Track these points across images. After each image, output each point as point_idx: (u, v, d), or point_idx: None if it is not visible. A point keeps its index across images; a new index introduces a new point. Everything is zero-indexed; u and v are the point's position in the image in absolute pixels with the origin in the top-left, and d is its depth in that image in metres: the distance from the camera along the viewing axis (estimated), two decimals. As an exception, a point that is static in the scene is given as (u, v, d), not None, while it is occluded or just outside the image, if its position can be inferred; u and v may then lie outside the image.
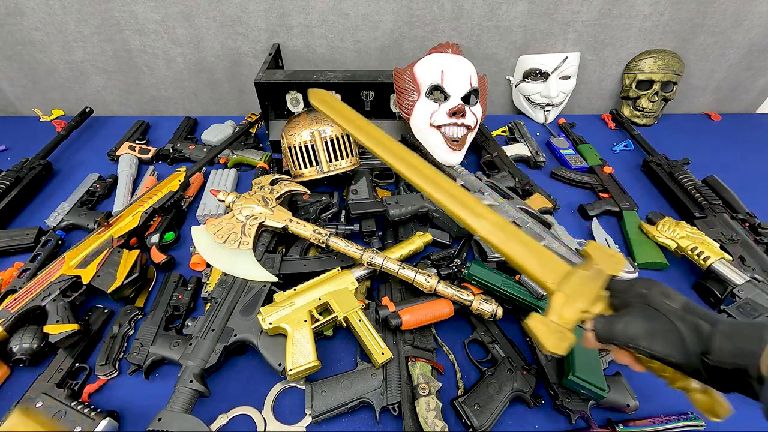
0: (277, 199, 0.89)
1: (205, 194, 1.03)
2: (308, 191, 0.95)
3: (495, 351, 0.74)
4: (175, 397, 0.63)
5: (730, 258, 0.85)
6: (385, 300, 0.76)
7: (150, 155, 1.17)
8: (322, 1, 1.17)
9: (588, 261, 0.52)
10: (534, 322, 0.46)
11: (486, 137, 1.21)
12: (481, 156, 1.17)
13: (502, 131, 1.31)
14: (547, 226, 0.89)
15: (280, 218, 0.84)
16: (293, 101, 1.14)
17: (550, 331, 0.46)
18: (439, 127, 0.97)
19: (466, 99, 0.97)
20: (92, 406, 0.65)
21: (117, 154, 1.16)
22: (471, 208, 0.61)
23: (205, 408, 0.68)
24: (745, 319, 0.39)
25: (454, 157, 1.00)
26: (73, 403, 0.65)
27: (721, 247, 0.88)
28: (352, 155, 1.01)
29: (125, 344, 0.76)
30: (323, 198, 0.99)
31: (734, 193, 1.02)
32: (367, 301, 0.79)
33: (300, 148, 0.97)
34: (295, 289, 0.76)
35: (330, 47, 1.27)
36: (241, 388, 0.71)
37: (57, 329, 0.71)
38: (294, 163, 0.99)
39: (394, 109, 1.15)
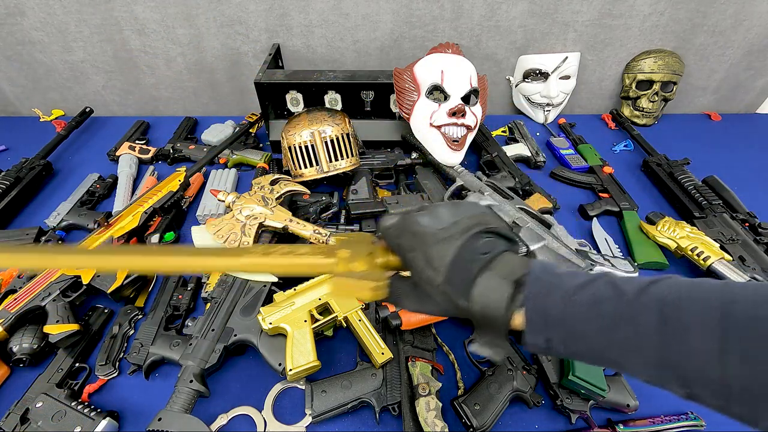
0: (277, 199, 0.89)
1: (205, 194, 1.03)
2: (308, 191, 0.95)
3: (495, 351, 0.74)
4: (175, 397, 0.63)
5: (730, 258, 0.85)
6: (385, 300, 0.76)
7: (150, 155, 1.17)
8: (322, 1, 1.17)
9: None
10: (336, 284, 0.44)
11: (486, 137, 1.21)
12: (481, 156, 1.16)
13: (502, 131, 1.31)
14: (547, 226, 0.89)
15: (280, 218, 0.84)
16: (293, 101, 1.14)
17: (359, 285, 0.43)
18: (439, 127, 0.97)
19: (466, 99, 0.97)
20: (92, 406, 0.65)
21: (117, 154, 1.16)
22: (230, 255, 0.51)
23: (205, 408, 0.68)
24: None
25: (454, 157, 1.00)
26: (73, 403, 0.65)
27: (721, 247, 0.88)
28: (352, 155, 1.01)
29: (125, 344, 0.76)
30: (323, 198, 0.99)
31: (734, 193, 1.02)
32: (367, 301, 0.79)
33: (300, 148, 0.97)
34: (295, 289, 0.76)
35: (330, 47, 1.27)
36: (241, 388, 0.71)
37: (57, 329, 0.71)
38: (294, 163, 0.99)
39: (394, 109, 1.15)
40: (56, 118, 1.34)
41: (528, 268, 0.38)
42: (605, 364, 0.35)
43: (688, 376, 0.31)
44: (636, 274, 0.86)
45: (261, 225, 0.84)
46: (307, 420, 0.66)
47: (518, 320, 0.37)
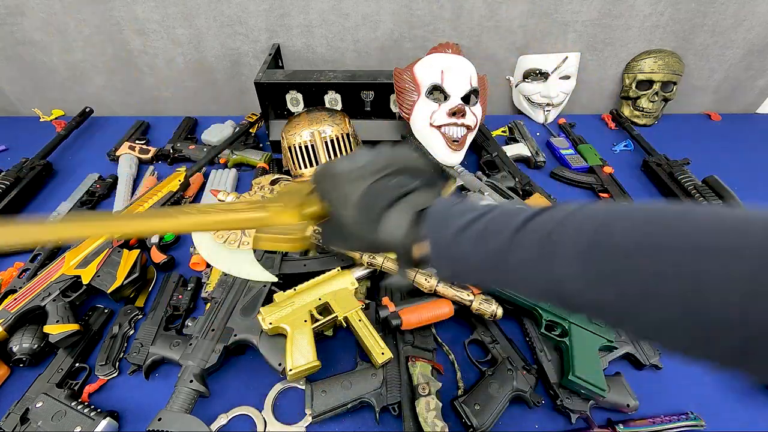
0: (277, 199, 0.89)
1: (205, 194, 1.03)
2: (308, 191, 0.95)
3: (495, 351, 0.74)
4: (175, 397, 0.63)
5: (730, 258, 0.85)
6: (385, 300, 0.76)
7: (150, 155, 1.17)
8: (322, 1, 1.17)
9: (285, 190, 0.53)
10: (258, 239, 0.48)
11: (486, 137, 1.21)
12: (481, 156, 1.16)
13: (502, 131, 1.31)
14: (547, 226, 0.89)
15: (280, 218, 0.84)
16: (293, 101, 1.14)
17: (280, 238, 0.47)
18: (439, 127, 0.97)
19: (466, 99, 0.97)
20: (92, 406, 0.65)
21: (117, 154, 1.16)
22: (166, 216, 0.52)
23: (205, 408, 0.68)
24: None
25: (454, 157, 1.00)
26: (73, 403, 0.65)
27: (721, 247, 0.88)
28: (352, 155, 1.01)
29: (125, 344, 0.76)
30: (323, 198, 0.99)
31: (734, 193, 1.02)
32: (367, 301, 0.79)
33: (300, 148, 0.97)
34: (295, 289, 0.76)
35: (330, 47, 1.27)
36: (241, 388, 0.71)
37: (57, 329, 0.71)
38: (294, 163, 0.99)
39: (394, 109, 1.15)
40: (56, 118, 1.34)
41: (431, 203, 0.41)
42: (501, 288, 0.40)
43: (573, 303, 0.32)
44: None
45: (261, 225, 0.84)
46: (307, 420, 0.66)
47: (424, 251, 0.40)
